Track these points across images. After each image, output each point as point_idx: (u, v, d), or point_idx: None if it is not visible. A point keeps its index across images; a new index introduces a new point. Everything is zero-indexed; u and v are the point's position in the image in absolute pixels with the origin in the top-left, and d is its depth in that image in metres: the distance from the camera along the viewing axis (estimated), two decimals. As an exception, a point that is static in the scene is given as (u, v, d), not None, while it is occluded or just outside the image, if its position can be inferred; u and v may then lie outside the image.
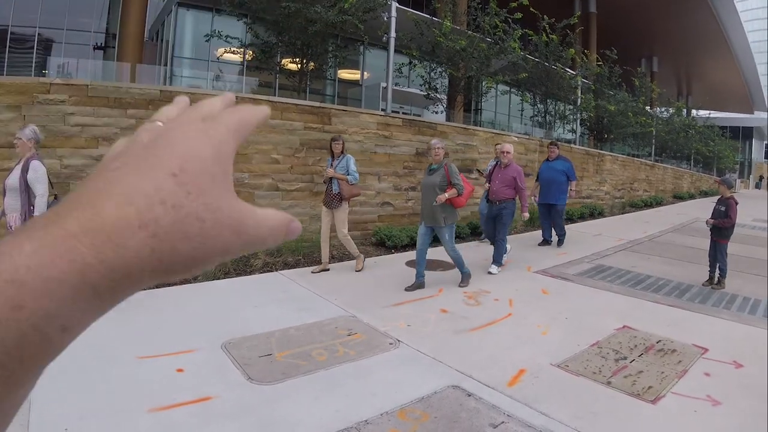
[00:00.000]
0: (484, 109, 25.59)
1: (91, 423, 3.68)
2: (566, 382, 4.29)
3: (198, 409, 3.83)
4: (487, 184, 8.63)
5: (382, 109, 11.62)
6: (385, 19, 11.86)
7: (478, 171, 11.58)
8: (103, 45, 21.54)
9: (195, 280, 6.98)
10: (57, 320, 0.33)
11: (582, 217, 15.13)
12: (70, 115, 7.20)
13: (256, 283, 7.01)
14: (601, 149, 21.00)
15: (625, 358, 4.78)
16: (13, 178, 5.34)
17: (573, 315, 5.99)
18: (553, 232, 10.69)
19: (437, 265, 8.12)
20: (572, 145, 17.59)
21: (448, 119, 15.41)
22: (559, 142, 11.64)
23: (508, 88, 18.51)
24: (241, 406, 3.91)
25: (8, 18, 19.83)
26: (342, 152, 7.73)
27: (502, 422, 3.58)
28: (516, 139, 13.14)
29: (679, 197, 27.95)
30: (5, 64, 19.42)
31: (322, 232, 7.81)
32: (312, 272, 7.65)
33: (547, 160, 10.87)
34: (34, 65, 19.98)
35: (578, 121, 20.74)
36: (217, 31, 12.61)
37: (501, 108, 26.29)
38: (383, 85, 14.50)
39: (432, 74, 14.76)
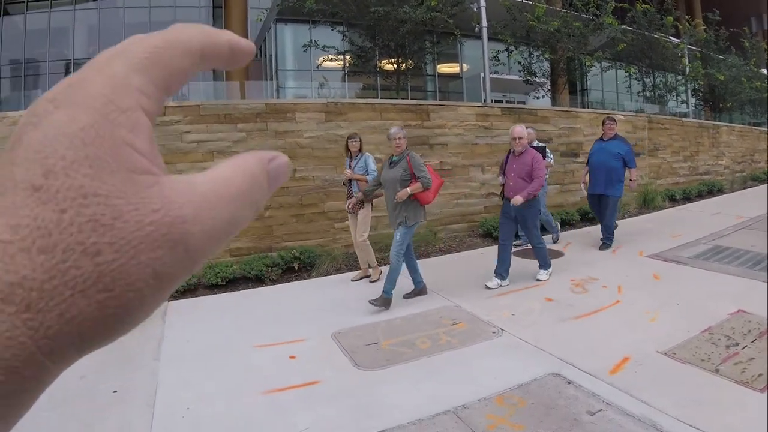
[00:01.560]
0: (590, 89, 24.79)
1: (210, 404, 4.09)
2: (672, 369, 4.14)
3: (307, 392, 4.16)
4: (502, 179, 7.16)
5: (483, 100, 11.60)
6: (475, 9, 11.83)
7: None
8: (210, 66, 22.66)
9: (309, 275, 7.37)
10: None
11: (700, 195, 14.22)
12: (186, 133, 7.75)
13: (365, 276, 7.28)
14: (719, 120, 19.72)
15: (737, 345, 4.51)
16: None
17: (685, 300, 5.70)
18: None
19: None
20: (683, 119, 16.66)
21: (553, 103, 15.12)
22: (616, 117, 9.83)
23: (610, 64, 17.79)
24: (346, 389, 4.17)
25: (117, 46, 21.35)
26: (360, 150, 7.16)
27: (600, 410, 3.54)
28: (622, 117, 12.61)
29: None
30: (119, 92, 20.88)
31: (354, 242, 7.27)
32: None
33: (601, 139, 8.80)
34: (147, 91, 21.31)
35: (689, 92, 19.66)
36: (314, 42, 13.01)
37: (607, 86, 25.28)
38: (482, 75, 14.48)
39: (530, 59, 14.55)
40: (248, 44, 0.34)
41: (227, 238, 0.28)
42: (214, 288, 7.19)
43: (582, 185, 8.90)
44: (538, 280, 6.73)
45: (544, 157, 7.91)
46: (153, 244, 0.24)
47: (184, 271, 0.26)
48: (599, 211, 8.60)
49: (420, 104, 9.38)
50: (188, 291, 6.95)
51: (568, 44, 13.77)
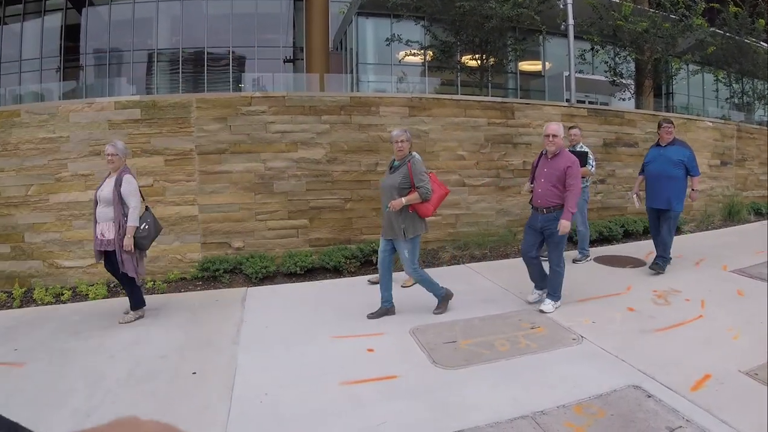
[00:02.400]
0: (675, 93, 23.93)
1: (288, 391, 4.15)
2: (754, 390, 3.92)
3: (384, 386, 4.17)
4: (529, 186, 6.32)
5: (567, 100, 11.35)
6: (562, 6, 11.57)
7: None
8: (292, 58, 23.02)
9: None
10: None
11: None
12: (271, 123, 7.88)
13: (444, 274, 7.13)
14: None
15: (825, 369, 4.23)
16: (107, 191, 5.69)
17: (770, 319, 5.42)
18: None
19: (626, 262, 7.76)
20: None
21: (637, 106, 14.67)
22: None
23: (698, 68, 17.08)
24: (423, 386, 4.16)
25: (204, 41, 21.93)
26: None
27: (680, 427, 3.41)
28: (710, 124, 12.06)
29: None
30: (205, 82, 21.41)
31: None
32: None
33: (658, 144, 7.64)
34: (231, 81, 21.78)
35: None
36: (396, 36, 13.01)
37: (694, 90, 24.32)
38: (566, 74, 14.17)
39: (616, 59, 14.14)
40: None
41: None
42: (292, 276, 7.30)
43: (634, 197, 7.75)
44: (542, 311, 5.77)
45: (585, 163, 7.55)
46: None
47: None
48: (657, 226, 7.51)
49: (505, 102, 9.23)
50: (267, 278, 7.07)
51: (655, 45, 13.32)
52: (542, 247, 6.19)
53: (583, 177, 7.23)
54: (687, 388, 3.94)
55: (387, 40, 13.64)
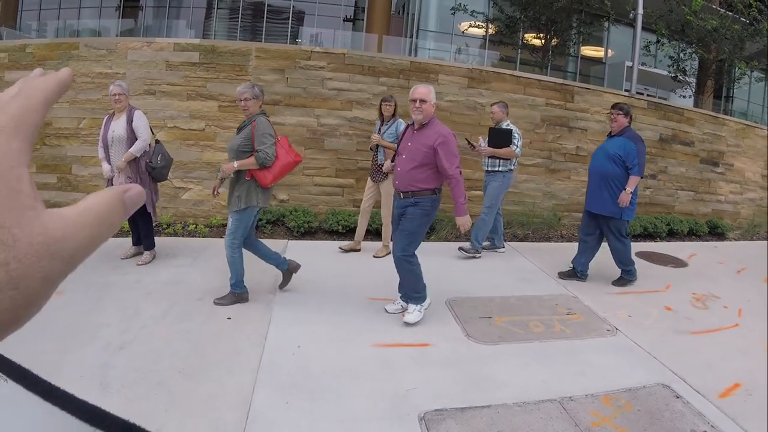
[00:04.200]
0: (735, 97, 23.18)
1: (319, 345, 4.22)
2: None
3: (415, 353, 4.21)
4: (389, 164, 5.30)
5: (626, 90, 11.04)
6: (632, -7, 11.22)
7: (468, 141, 7.01)
8: (352, 17, 22.82)
9: (428, 238, 7.34)
10: None
11: None
12: (328, 80, 7.85)
13: (485, 250, 7.11)
14: None
15: None
16: (120, 130, 5.72)
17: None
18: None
19: (668, 260, 7.57)
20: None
21: (695, 105, 14.23)
22: (625, 105, 6.28)
23: (764, 75, 16.48)
24: (455, 357, 4.18)
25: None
26: (393, 115, 6.40)
27: (704, 431, 3.38)
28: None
29: None
30: (263, 33, 21.38)
31: (363, 208, 6.69)
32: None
33: (609, 135, 6.31)
34: (289, 34, 21.71)
35: None
36: (462, 5, 12.80)
37: (755, 97, 23.55)
38: (628, 63, 13.75)
39: (681, 55, 13.69)
40: (66, 73, 0.42)
41: (92, 248, 0.37)
42: (333, 234, 7.34)
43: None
44: (407, 323, 4.67)
45: (509, 143, 6.71)
46: (40, 257, 0.33)
47: (62, 273, 0.35)
48: (594, 234, 6.31)
49: (566, 84, 9.02)
50: (308, 233, 7.09)
51: (722, 45, 12.83)
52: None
53: (507, 159, 6.77)
54: (715, 394, 3.90)
55: (452, 9, 13.44)
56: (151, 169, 5.80)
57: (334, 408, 3.39)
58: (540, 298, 5.56)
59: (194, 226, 7.42)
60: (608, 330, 4.89)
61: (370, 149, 6.69)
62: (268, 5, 21.43)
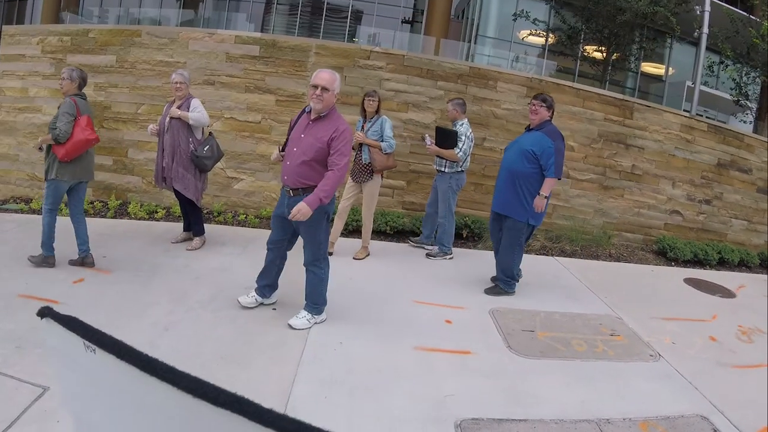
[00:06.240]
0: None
1: (361, 342, 4.29)
2: None
3: (457, 359, 4.22)
4: (278, 154, 4.53)
5: (686, 110, 10.81)
6: (698, 12, 10.95)
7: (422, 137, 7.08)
8: (410, 19, 22.86)
9: (475, 246, 7.34)
10: None
11: None
12: (386, 80, 7.89)
13: (531, 262, 6.96)
14: None
15: None
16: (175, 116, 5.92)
17: None
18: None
19: (716, 289, 7.27)
20: None
21: (754, 130, 13.84)
22: (548, 96, 5.75)
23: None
24: (495, 368, 4.17)
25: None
26: (377, 112, 6.23)
27: None
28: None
29: None
30: (321, 30, 21.58)
31: (340, 208, 6.38)
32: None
33: (527, 128, 5.77)
34: (347, 33, 21.86)
35: None
36: (525, 12, 12.71)
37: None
38: (689, 83, 13.44)
39: (745, 78, 13.33)
40: None
41: None
42: (381, 234, 7.36)
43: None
44: (291, 326, 4.41)
45: (454, 144, 6.40)
46: None
47: None
48: (499, 238, 5.80)
49: (626, 100, 8.85)
50: (356, 231, 7.11)
51: (788, 72, 12.45)
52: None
53: (453, 162, 6.55)
54: (753, 431, 3.81)
55: (514, 15, 13.36)
56: (195, 157, 5.93)
57: (371, 406, 3.42)
58: (584, 317, 5.48)
59: (244, 216, 7.55)
60: (651, 355, 4.80)
61: (353, 148, 6.12)
62: (327, 3, 21.63)
